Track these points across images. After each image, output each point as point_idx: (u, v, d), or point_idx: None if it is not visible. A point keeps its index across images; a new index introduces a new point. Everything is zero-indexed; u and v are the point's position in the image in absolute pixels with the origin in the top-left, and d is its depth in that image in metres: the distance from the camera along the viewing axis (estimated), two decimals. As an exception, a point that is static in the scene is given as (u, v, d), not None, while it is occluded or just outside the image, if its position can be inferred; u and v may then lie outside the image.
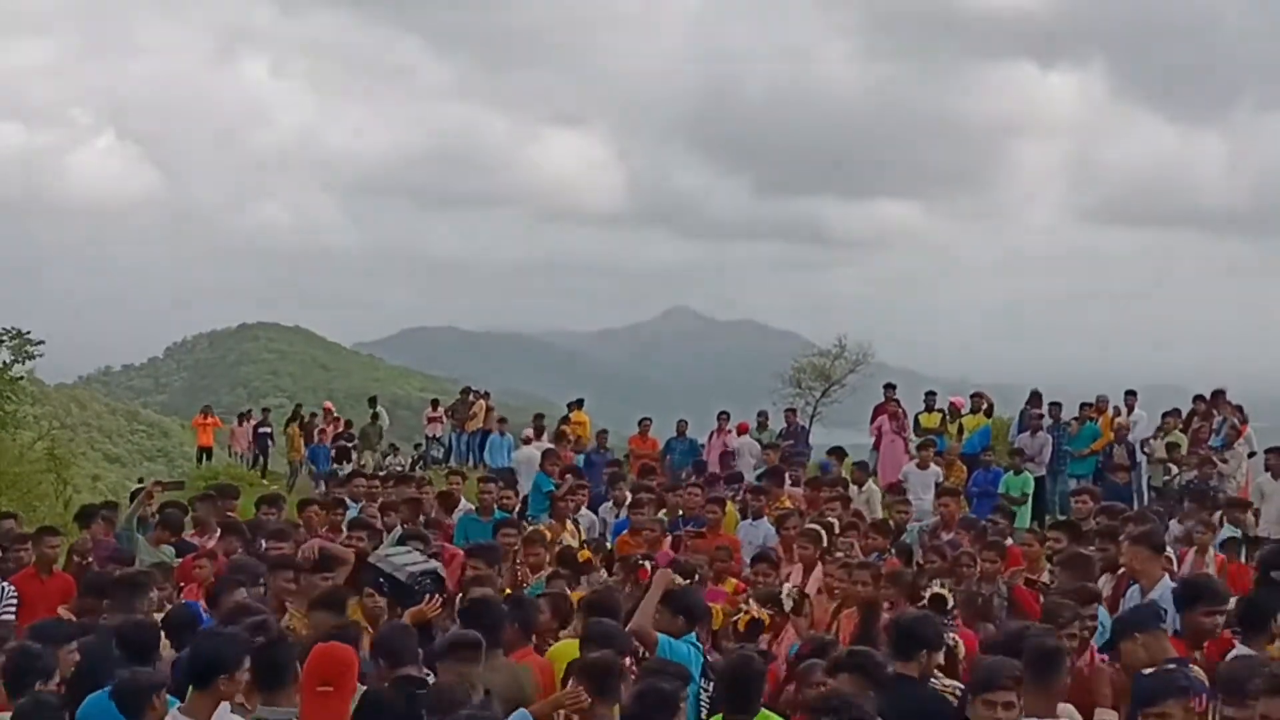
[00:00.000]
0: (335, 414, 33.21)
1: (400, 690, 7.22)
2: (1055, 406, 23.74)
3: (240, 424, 35.68)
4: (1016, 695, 6.69)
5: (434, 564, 10.29)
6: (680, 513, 15.82)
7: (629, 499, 16.29)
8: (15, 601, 11.79)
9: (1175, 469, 20.58)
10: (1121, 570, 10.82)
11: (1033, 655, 7.19)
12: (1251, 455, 20.83)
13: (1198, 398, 23.00)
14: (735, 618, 10.03)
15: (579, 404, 28.71)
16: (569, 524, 14.91)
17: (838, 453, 21.94)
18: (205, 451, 35.92)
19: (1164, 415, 22.80)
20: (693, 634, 9.05)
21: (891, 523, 14.96)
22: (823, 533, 12.70)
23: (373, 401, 33.94)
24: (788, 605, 10.10)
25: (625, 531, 14.66)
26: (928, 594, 10.24)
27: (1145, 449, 22.13)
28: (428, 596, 9.66)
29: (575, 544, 13.67)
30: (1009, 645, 7.71)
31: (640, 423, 25.83)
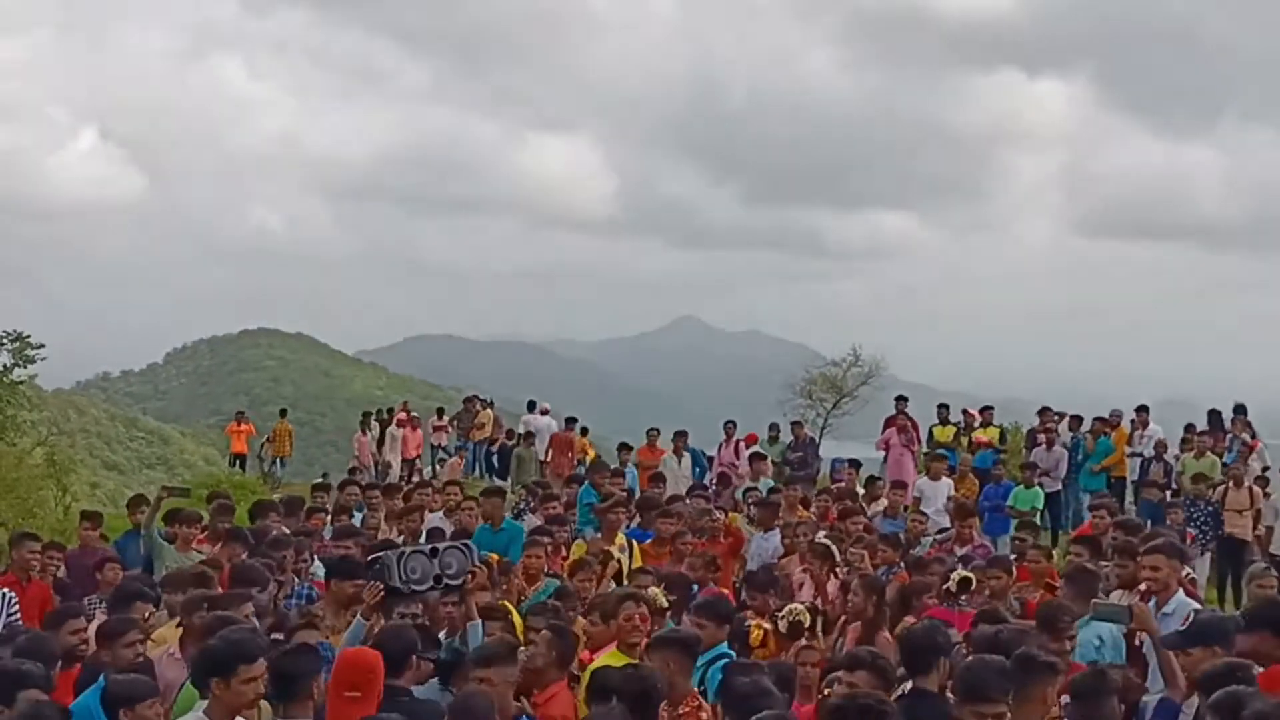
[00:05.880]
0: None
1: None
2: (1076, 420, 23.70)
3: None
4: (1004, 703, 6.62)
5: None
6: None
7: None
8: (18, 609, 11.64)
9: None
10: (1142, 588, 10.56)
11: (1017, 666, 7.03)
12: (1266, 470, 20.66)
13: (1213, 413, 22.93)
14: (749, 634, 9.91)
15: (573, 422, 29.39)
16: (621, 537, 14.27)
17: (853, 464, 21.72)
18: (239, 459, 35.06)
19: (1186, 429, 22.75)
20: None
21: (903, 536, 14.76)
22: (833, 548, 12.47)
23: (365, 416, 33.46)
24: (783, 628, 9.91)
25: (648, 542, 14.38)
26: (955, 578, 10.87)
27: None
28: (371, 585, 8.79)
29: (624, 559, 13.36)
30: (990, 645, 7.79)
31: (648, 433, 25.76)
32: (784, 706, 7.20)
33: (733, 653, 8.90)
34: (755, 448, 23.90)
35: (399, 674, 7.59)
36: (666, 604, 10.11)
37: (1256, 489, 18.86)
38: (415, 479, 26.26)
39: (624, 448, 24.49)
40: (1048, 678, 7.07)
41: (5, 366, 28.22)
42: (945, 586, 11.00)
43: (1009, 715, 6.66)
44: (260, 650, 7.16)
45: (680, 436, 24.45)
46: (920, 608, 10.87)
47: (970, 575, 10.98)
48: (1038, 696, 6.97)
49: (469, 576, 8.98)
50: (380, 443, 31.16)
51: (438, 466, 31.34)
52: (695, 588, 11.48)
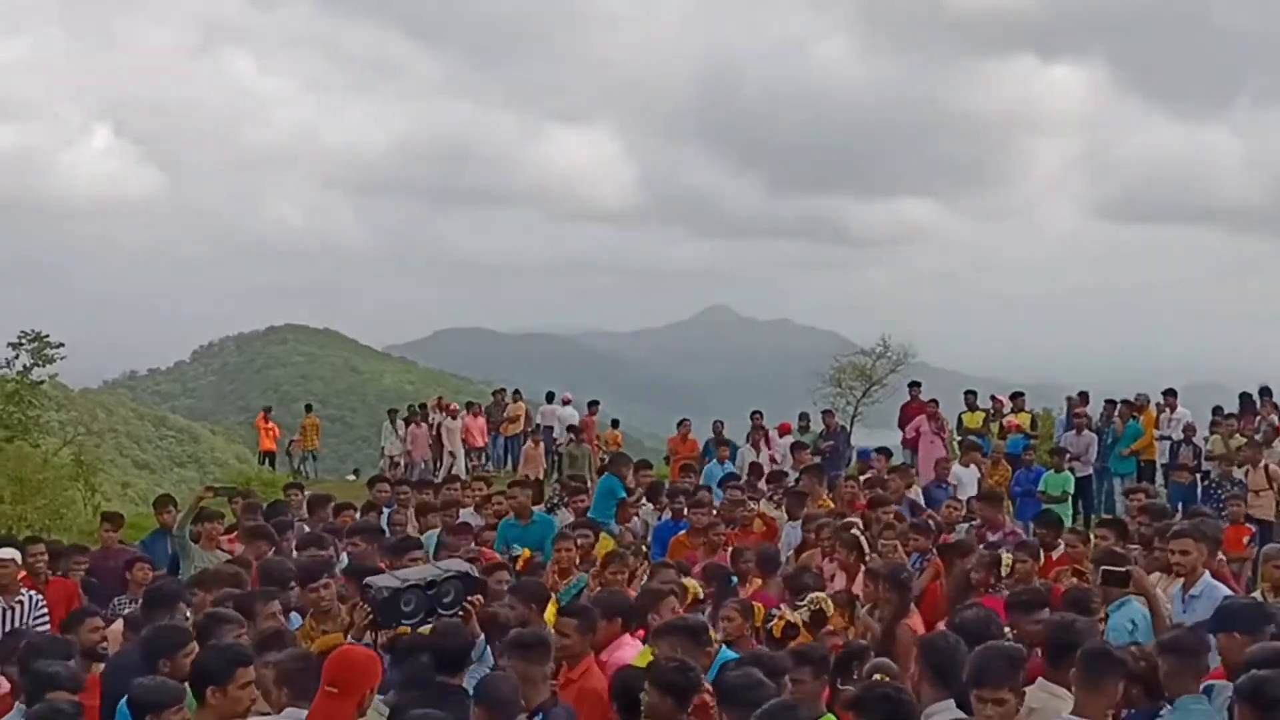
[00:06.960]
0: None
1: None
2: (1109, 405, 23.55)
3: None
4: (1009, 690, 6.64)
5: (436, 570, 8.80)
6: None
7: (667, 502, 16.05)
8: (46, 611, 11.63)
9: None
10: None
11: (1085, 658, 7.00)
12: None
13: (1244, 396, 22.99)
14: (770, 624, 9.75)
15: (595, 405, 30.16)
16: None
17: (883, 453, 21.60)
18: (268, 456, 34.73)
19: (1214, 411, 22.73)
20: None
21: (932, 523, 14.57)
22: (863, 539, 12.32)
23: (392, 414, 33.12)
24: (805, 617, 9.81)
25: (682, 533, 14.41)
26: (1006, 562, 11.01)
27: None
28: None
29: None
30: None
31: (679, 424, 25.73)
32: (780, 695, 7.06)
33: (733, 654, 8.68)
34: (789, 437, 23.84)
35: (456, 673, 7.55)
36: (702, 595, 10.04)
37: (1276, 469, 18.87)
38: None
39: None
40: (1119, 673, 7.01)
41: (25, 367, 28.13)
42: (995, 572, 11.01)
43: (1012, 702, 6.64)
44: (253, 654, 7.17)
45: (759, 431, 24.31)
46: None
47: (1011, 557, 11.07)
48: (1107, 689, 6.92)
49: (465, 609, 8.41)
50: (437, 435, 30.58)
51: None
52: (734, 579, 11.42)
